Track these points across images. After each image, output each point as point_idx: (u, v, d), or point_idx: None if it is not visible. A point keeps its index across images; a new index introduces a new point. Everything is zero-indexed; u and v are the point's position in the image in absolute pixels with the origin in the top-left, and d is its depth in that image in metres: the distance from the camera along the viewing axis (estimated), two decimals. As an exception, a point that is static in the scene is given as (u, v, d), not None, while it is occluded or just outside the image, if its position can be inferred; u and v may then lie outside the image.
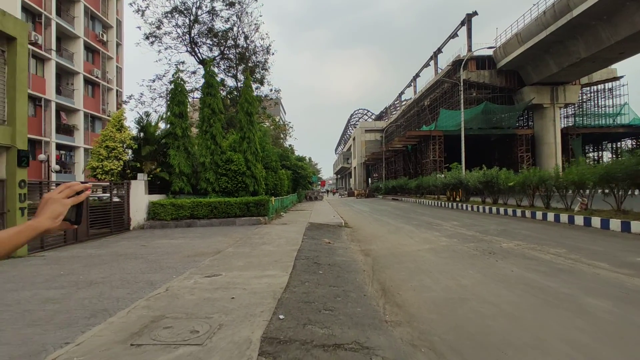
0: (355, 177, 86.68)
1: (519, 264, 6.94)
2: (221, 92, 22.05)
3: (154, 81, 23.72)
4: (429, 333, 3.88)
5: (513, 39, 35.60)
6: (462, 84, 28.91)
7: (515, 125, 41.34)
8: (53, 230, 1.03)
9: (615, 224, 10.87)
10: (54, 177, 24.29)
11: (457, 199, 25.16)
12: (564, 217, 13.11)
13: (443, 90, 44.07)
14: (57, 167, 23.35)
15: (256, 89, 24.92)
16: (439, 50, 50.06)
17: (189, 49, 23.57)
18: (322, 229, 12.96)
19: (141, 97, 23.82)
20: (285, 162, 29.84)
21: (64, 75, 28.91)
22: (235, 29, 23.82)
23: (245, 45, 24.49)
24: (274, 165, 21.93)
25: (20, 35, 8.45)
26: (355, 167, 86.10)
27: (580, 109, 43.48)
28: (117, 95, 34.77)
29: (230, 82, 25.74)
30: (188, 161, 15.75)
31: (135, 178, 13.95)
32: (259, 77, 25.73)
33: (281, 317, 3.96)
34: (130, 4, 22.19)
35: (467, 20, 40.53)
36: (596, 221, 11.56)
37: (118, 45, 36.45)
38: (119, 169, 13.63)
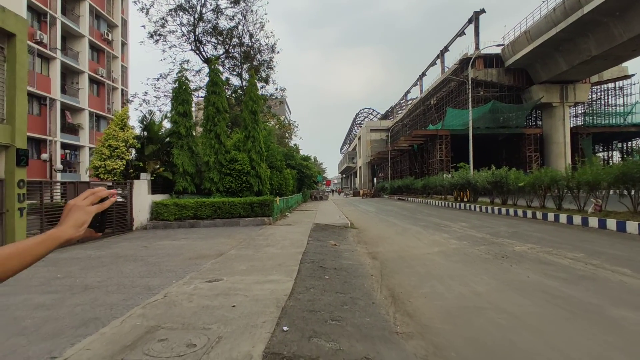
0: (360, 177, 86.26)
1: (535, 269, 6.60)
2: (226, 91, 21.85)
3: (158, 79, 23.61)
4: (445, 347, 3.58)
5: (522, 37, 35.03)
6: (470, 82, 28.43)
7: (523, 125, 40.69)
8: (76, 238, 0.99)
9: (632, 226, 10.45)
10: (58, 176, 24.24)
11: (465, 200, 24.73)
12: (577, 219, 12.69)
13: (450, 89, 43.55)
14: (60, 167, 23.28)
15: (261, 87, 24.72)
16: (446, 49, 49.51)
17: (193, 48, 23.42)
18: (327, 230, 12.67)
19: (145, 95, 23.73)
20: (290, 162, 29.61)
21: (69, 74, 28.87)
22: (240, 27, 23.63)
23: (250, 43, 24.27)
24: (278, 165, 21.68)
25: (20, 31, 8.25)
26: (360, 167, 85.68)
27: (590, 108, 42.71)
28: (122, 94, 34.73)
29: (235, 81, 25.58)
30: (192, 160, 15.54)
31: (138, 178, 13.76)
32: (264, 76, 25.51)
33: (285, 328, 3.67)
34: (135, 1, 22.07)
35: (475, 18, 39.97)
36: (612, 223, 11.14)
37: (123, 44, 36.41)
38: (122, 168, 13.45)
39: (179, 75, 16.34)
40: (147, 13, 22.05)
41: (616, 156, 45.78)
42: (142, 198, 13.45)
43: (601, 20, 27.65)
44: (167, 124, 16.79)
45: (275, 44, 25.04)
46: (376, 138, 77.86)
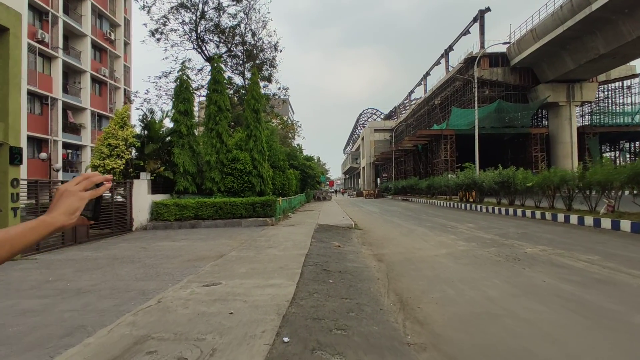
0: (364, 177, 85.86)
1: (549, 273, 6.27)
2: (228, 90, 21.60)
3: (160, 78, 23.38)
4: (460, 360, 3.27)
5: (528, 35, 34.55)
6: (476, 80, 28.03)
7: (529, 124, 40.11)
8: (68, 226, 0.93)
9: (647, 227, 10.09)
10: (59, 175, 24.09)
11: (471, 200, 24.35)
12: (588, 220, 12.31)
13: (454, 88, 43.11)
14: (59, 166, 23.10)
15: (264, 87, 24.44)
16: (450, 48, 49.08)
17: (195, 46, 23.17)
18: (331, 230, 12.37)
19: (147, 93, 23.51)
20: (293, 162, 29.32)
21: (71, 73, 28.75)
22: (242, 25, 23.38)
23: (252, 42, 24.02)
24: (281, 165, 21.39)
25: (13, 25, 8.01)
26: (364, 167, 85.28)
27: (598, 107, 42.09)
28: (124, 94, 34.59)
29: (237, 80, 25.33)
30: (193, 160, 15.28)
31: (138, 177, 13.52)
32: (267, 75, 25.24)
33: (286, 339, 3.37)
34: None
35: (480, 17, 39.54)
36: (626, 224, 10.76)
37: (126, 44, 36.29)
38: (122, 167, 13.20)
39: (180, 73, 16.09)
40: (148, 11, 21.88)
41: (623, 156, 45.09)
42: (142, 198, 13.20)
43: (610, 18, 27.16)
44: (169, 124, 16.55)
45: (278, 42, 24.79)
46: (380, 138, 77.45)
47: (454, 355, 3.36)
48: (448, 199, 29.38)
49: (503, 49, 38.00)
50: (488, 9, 38.83)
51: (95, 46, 31.17)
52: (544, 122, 42.96)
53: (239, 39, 23.63)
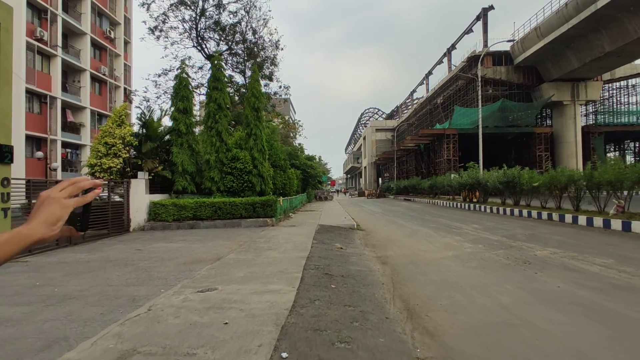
0: (365, 177, 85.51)
1: (563, 278, 5.95)
2: (229, 88, 21.30)
3: (159, 76, 23.09)
4: (478, 380, 2.95)
5: (532, 33, 34.14)
6: (479, 79, 27.66)
7: (533, 124, 39.68)
8: (49, 238, 0.81)
9: (661, 229, 9.74)
10: (58, 175, 23.84)
11: (474, 200, 23.99)
12: (597, 221, 11.95)
13: (457, 87, 42.72)
14: (56, 165, 22.83)
15: (265, 85, 24.13)
16: (453, 47, 48.67)
17: (195, 44, 22.87)
18: (332, 231, 12.05)
19: (146, 92, 23.22)
20: (295, 161, 29.02)
21: (70, 72, 28.48)
22: (243, 23, 23.07)
23: (253, 40, 23.70)
24: (282, 164, 21.07)
25: (4, 19, 7.70)
26: (365, 167, 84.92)
27: (602, 107, 41.62)
28: (125, 93, 34.33)
29: (238, 78, 25.00)
30: (192, 159, 14.98)
31: (136, 176, 13.23)
32: (268, 74, 24.91)
33: (284, 355, 3.06)
34: (136, -3, 21.57)
35: (483, 15, 39.13)
36: (637, 226, 10.40)
37: (127, 43, 36.03)
38: (119, 166, 12.91)
39: (179, 71, 15.79)
40: (148, 8, 21.59)
41: (628, 156, 44.62)
42: (140, 198, 12.91)
43: (615, 16, 26.76)
44: (168, 122, 16.25)
45: (279, 40, 24.47)
46: (381, 138, 77.09)
47: (470, 373, 3.05)
48: (451, 199, 29.02)
49: (506, 47, 37.63)
50: (491, 7, 38.42)
51: (95, 45, 30.91)
52: (548, 121, 42.53)
53: (240, 37, 23.33)
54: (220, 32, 22.93)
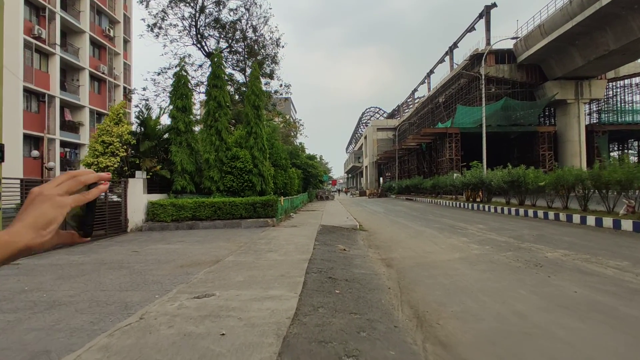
0: (366, 177, 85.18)
1: (578, 282, 5.66)
2: (229, 86, 21.02)
3: (158, 74, 22.78)
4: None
5: (535, 31, 33.78)
6: (483, 77, 27.33)
7: (536, 122, 39.30)
8: (39, 246, 0.64)
9: (673, 230, 9.43)
10: (57, 175, 23.57)
11: (478, 200, 23.68)
12: (607, 222, 11.65)
13: (459, 86, 42.37)
14: (52, 164, 22.54)
15: (265, 84, 23.81)
16: (455, 45, 48.26)
17: (195, 42, 22.58)
18: (335, 232, 11.76)
19: (144, 90, 22.92)
20: (296, 161, 28.74)
21: (69, 70, 28.19)
22: (243, 21, 22.75)
23: (254, 38, 23.38)
24: (283, 164, 20.79)
25: (-5, 13, 7.43)
26: (366, 166, 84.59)
27: (606, 105, 41.22)
28: (124, 91, 34.07)
29: (238, 76, 24.69)
30: (191, 158, 14.70)
31: (133, 176, 12.95)
32: (269, 72, 24.60)
33: (286, 372, 2.78)
34: (134, -6, 21.29)
35: (486, 13, 38.73)
36: (649, 226, 10.12)
37: (126, 41, 35.75)
38: (116, 165, 12.63)
39: (178, 68, 15.50)
40: (147, 5, 21.29)
41: (632, 155, 44.20)
42: (137, 198, 12.63)
43: (620, 14, 26.42)
44: (167, 121, 15.98)
45: (279, 38, 24.13)
46: (383, 137, 76.77)
47: (491, 392, 2.76)
48: (454, 198, 28.71)
49: (509, 45, 37.26)
50: (494, 5, 38.04)
51: (94, 43, 30.63)
52: (551, 120, 42.17)
53: (240, 34, 23.01)
54: (220, 30, 22.63)
